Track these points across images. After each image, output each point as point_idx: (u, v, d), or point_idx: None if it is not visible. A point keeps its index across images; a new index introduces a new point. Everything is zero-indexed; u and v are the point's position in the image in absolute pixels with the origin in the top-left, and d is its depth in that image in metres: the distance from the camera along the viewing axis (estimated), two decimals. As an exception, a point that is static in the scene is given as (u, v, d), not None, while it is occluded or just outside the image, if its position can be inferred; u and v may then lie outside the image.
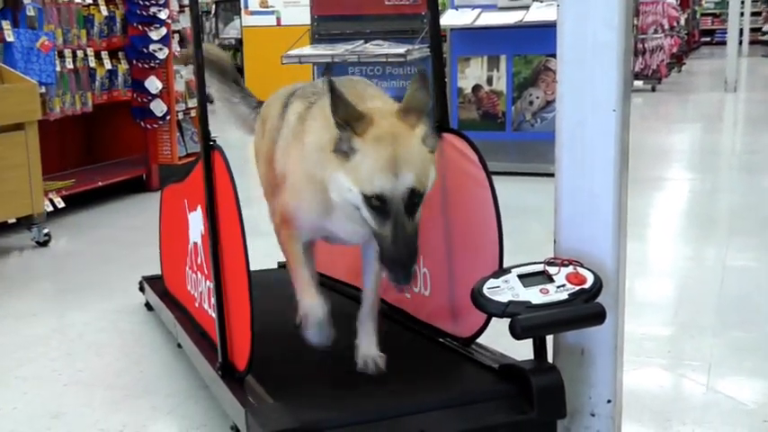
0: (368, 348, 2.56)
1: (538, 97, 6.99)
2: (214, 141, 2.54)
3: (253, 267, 2.38)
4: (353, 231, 2.39)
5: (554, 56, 2.27)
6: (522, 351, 2.43)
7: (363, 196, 2.18)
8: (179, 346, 3.23)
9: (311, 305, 2.51)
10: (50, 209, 5.46)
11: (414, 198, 2.19)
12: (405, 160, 2.18)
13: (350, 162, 2.20)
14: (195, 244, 2.94)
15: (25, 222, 5.12)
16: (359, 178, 2.18)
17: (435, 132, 2.31)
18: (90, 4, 6.22)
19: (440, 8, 3.55)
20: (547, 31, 6.50)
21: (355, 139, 2.20)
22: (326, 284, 3.00)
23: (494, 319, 2.40)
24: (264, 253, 3.38)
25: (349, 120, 2.21)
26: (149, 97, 6.62)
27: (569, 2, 2.21)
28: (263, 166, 3.03)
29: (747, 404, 2.75)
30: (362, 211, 2.20)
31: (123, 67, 6.53)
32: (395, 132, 2.22)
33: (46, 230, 5.13)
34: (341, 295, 3.26)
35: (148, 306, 3.83)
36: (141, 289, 3.90)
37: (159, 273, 3.73)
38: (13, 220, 5.18)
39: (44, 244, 5.11)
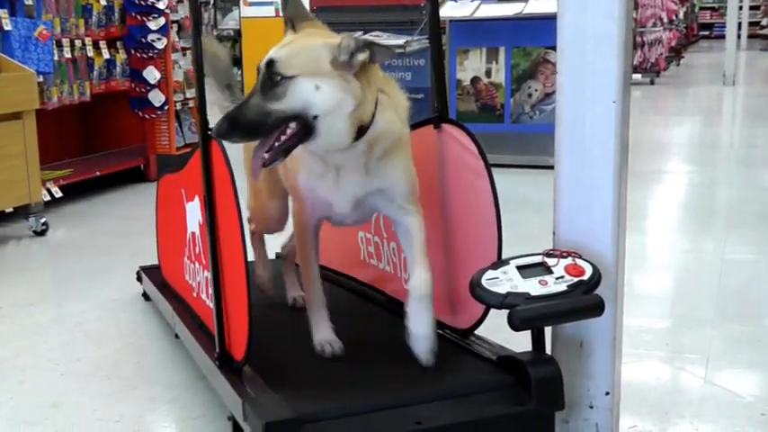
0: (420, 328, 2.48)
1: (537, 89, 6.98)
2: (212, 131, 2.53)
3: (250, 258, 2.37)
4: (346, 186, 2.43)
5: (553, 48, 2.27)
6: (519, 343, 2.44)
7: None
8: (176, 336, 3.22)
9: (325, 339, 2.62)
10: (48, 198, 5.46)
11: (270, 69, 2.22)
12: (285, 45, 2.29)
13: None
14: (193, 234, 2.93)
15: (22, 212, 5.11)
16: None
17: (363, 52, 2.26)
18: (88, -6, 6.22)
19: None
20: (546, 23, 6.51)
21: (290, 33, 2.39)
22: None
23: (492, 310, 2.40)
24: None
25: (294, 18, 2.40)
26: (147, 87, 6.62)
27: (570, -7, 2.21)
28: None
29: (745, 397, 2.76)
30: None
31: (121, 56, 6.52)
32: (314, 33, 2.36)
33: (43, 220, 5.13)
34: (333, 285, 3.27)
35: (146, 296, 3.82)
36: (139, 279, 3.90)
37: (157, 263, 3.73)
38: (10, 210, 5.18)
39: (41, 233, 5.10)
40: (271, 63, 2.22)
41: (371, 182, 2.43)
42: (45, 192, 5.41)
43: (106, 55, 6.33)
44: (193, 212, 2.88)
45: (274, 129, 2.22)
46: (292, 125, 2.22)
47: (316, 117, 2.22)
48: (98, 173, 6.22)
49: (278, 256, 3.77)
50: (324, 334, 2.62)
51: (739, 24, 16.87)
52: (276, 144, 2.24)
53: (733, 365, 3.02)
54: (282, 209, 3.01)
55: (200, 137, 2.55)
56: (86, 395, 2.90)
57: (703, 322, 3.41)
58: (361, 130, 2.28)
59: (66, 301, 3.98)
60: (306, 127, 2.22)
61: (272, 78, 2.21)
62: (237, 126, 2.21)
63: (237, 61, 13.36)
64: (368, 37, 2.34)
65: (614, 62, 2.19)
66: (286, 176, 2.70)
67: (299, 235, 2.69)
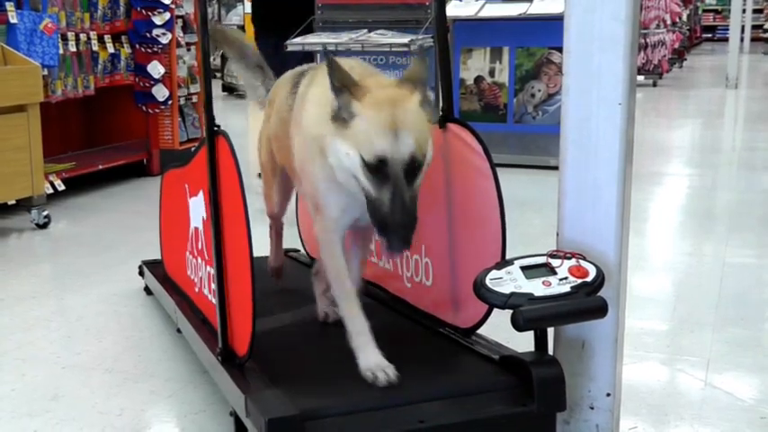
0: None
1: (540, 90, 6.98)
2: (218, 127, 2.54)
3: (256, 254, 2.37)
4: None
5: (557, 48, 2.29)
6: (520, 342, 2.44)
7: (362, 160, 2.17)
8: (178, 331, 3.23)
9: (376, 364, 2.34)
10: (50, 191, 5.47)
11: (414, 163, 2.17)
12: (403, 122, 2.18)
13: (349, 128, 2.20)
14: (196, 229, 2.94)
15: (25, 204, 5.12)
16: (358, 141, 2.18)
17: (433, 107, 2.29)
18: (94, -12, 6.22)
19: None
20: (550, 23, 6.53)
21: (354, 104, 2.21)
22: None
23: (494, 310, 2.40)
24: (263, 240, 3.38)
25: (346, 84, 2.22)
26: (152, 82, 6.62)
27: (577, -6, 2.21)
28: (264, 149, 3.04)
29: (745, 400, 2.76)
30: (360, 177, 2.19)
31: (126, 51, 6.53)
32: (393, 97, 2.24)
33: (46, 213, 5.13)
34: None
35: (148, 290, 3.83)
36: (141, 273, 3.91)
37: (159, 257, 3.73)
38: (12, 202, 5.18)
39: (44, 226, 5.11)
40: (415, 159, 2.17)
41: None
42: (48, 185, 5.42)
43: (111, 49, 6.34)
44: (197, 208, 2.89)
45: None
46: None
47: None
48: (101, 167, 6.23)
49: (285, 252, 3.78)
50: (372, 359, 2.35)
51: (742, 27, 16.86)
52: None
53: (733, 368, 3.02)
54: (282, 191, 3.12)
55: (207, 132, 2.55)
56: (87, 388, 2.91)
57: (704, 325, 3.41)
58: None
59: (67, 294, 3.98)
60: None
61: (416, 169, 2.19)
62: (414, 225, 2.17)
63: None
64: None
65: (620, 64, 2.19)
66: (299, 182, 2.69)
67: (325, 250, 2.51)
